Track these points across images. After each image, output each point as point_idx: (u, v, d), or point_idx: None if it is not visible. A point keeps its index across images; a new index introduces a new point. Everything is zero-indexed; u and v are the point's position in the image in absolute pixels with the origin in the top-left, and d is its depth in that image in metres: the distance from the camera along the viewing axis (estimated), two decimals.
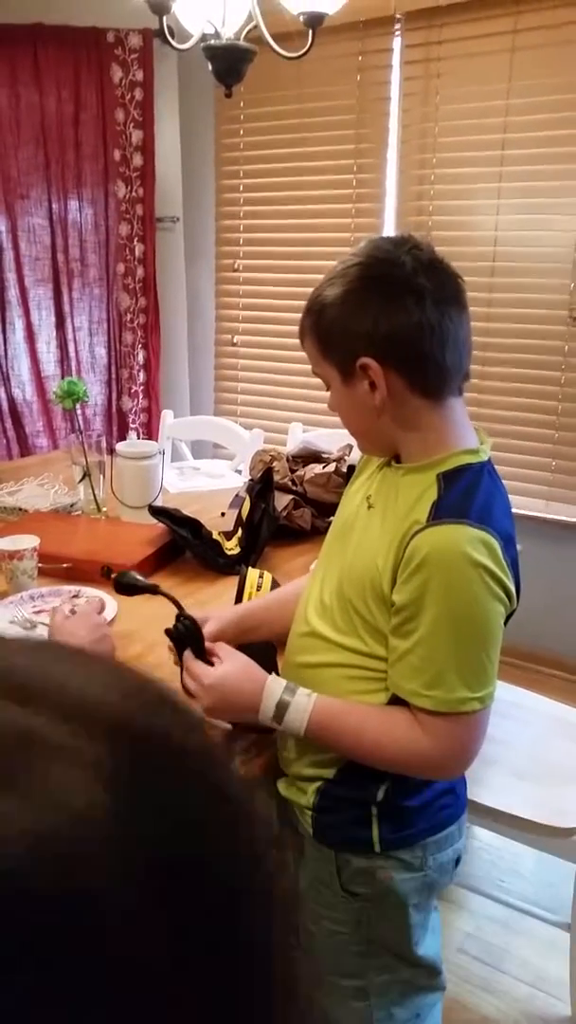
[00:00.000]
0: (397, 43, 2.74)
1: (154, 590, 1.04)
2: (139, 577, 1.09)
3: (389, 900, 0.99)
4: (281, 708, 0.91)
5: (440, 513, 0.86)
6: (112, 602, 1.31)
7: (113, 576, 1.12)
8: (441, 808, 1.00)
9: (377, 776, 0.95)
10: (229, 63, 1.91)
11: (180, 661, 0.98)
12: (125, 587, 1.10)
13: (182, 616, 0.97)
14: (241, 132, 3.17)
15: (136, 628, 1.29)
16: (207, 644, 0.97)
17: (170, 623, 0.99)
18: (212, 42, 1.87)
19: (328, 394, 0.98)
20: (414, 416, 0.92)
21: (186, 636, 0.96)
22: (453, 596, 0.84)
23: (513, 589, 0.88)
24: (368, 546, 0.93)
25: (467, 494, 0.88)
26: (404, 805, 0.96)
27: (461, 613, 0.85)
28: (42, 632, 1.22)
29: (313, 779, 1.00)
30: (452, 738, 0.88)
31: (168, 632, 0.98)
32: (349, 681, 0.94)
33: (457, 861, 1.05)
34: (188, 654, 0.96)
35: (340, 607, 0.96)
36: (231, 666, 0.94)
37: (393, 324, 0.88)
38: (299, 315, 0.97)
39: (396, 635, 0.89)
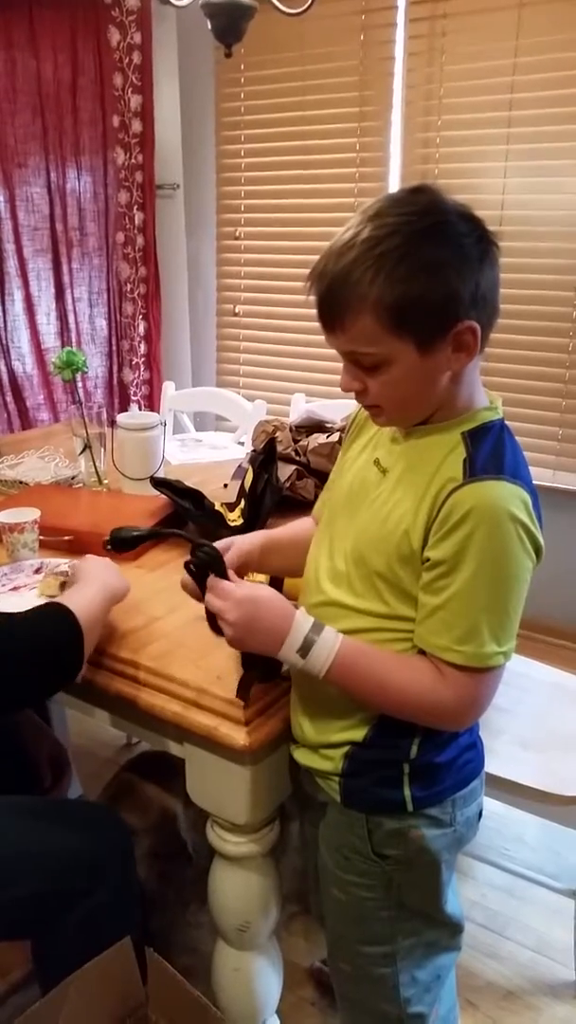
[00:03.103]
0: (401, 1, 2.66)
1: (158, 533, 0.98)
2: (135, 528, 1.01)
3: (422, 859, 0.99)
4: (308, 643, 0.90)
5: (476, 470, 0.85)
6: None
7: (106, 540, 1.03)
8: (466, 763, 1.00)
9: (408, 732, 0.94)
10: (229, 20, 1.86)
11: (201, 591, 0.94)
12: (123, 542, 1.02)
13: (202, 544, 0.93)
14: (242, 95, 3.10)
15: (137, 602, 1.28)
16: (230, 575, 0.93)
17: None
18: None
19: (340, 376, 0.91)
20: (464, 375, 0.90)
21: (209, 563, 0.92)
22: (494, 551, 0.83)
23: (542, 545, 0.88)
24: (388, 509, 0.92)
25: (496, 451, 0.87)
26: (434, 762, 0.96)
27: (499, 568, 0.84)
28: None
29: (341, 744, 0.99)
30: (473, 691, 0.88)
31: (188, 564, 0.93)
32: (375, 645, 0.93)
33: (479, 814, 1.05)
34: (212, 577, 0.93)
35: (359, 573, 0.94)
36: (263, 589, 0.92)
37: (488, 280, 0.86)
38: (302, 283, 0.89)
39: (427, 592, 0.88)
